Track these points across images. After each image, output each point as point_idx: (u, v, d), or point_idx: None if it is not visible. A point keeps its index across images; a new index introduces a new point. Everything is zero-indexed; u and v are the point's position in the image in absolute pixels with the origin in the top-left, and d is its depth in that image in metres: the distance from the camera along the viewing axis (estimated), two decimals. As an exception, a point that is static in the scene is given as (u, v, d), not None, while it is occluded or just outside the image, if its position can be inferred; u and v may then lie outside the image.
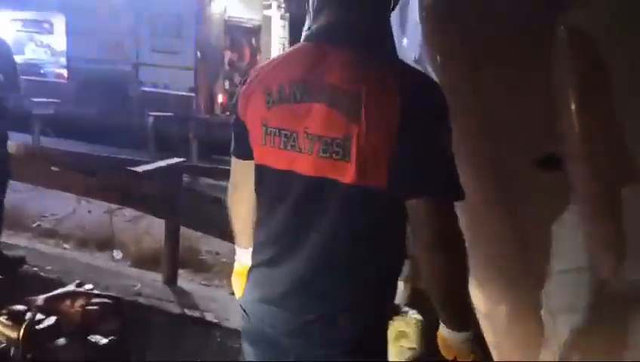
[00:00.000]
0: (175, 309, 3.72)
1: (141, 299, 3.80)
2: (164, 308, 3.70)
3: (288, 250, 1.44)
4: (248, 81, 1.52)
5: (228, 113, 10.03)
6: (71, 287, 2.63)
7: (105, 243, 5.62)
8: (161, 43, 9.53)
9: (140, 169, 3.60)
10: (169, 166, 3.71)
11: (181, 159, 3.88)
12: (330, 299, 1.39)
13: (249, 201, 1.61)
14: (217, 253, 5.27)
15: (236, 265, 1.75)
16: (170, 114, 8.07)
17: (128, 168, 3.62)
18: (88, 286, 2.69)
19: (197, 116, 8.75)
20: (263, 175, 1.49)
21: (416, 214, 1.32)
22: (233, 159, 1.62)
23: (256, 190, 1.55)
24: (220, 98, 9.84)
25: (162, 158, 8.14)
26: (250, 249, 1.62)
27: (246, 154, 1.53)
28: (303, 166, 1.39)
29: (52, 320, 2.41)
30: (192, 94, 9.39)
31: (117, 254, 5.51)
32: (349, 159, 1.32)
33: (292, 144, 1.39)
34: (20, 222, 5.85)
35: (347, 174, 1.33)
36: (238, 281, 1.72)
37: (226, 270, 5.07)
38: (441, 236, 1.31)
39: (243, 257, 1.71)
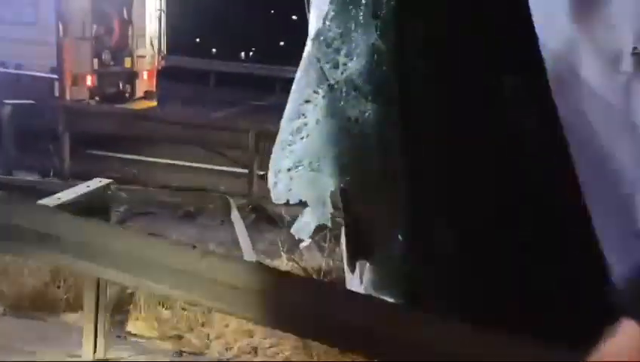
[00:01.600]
0: None
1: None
2: None
3: None
4: None
5: (98, 99, 8.45)
6: None
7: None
8: (10, 12, 7.61)
9: (52, 202, 2.32)
10: (96, 191, 2.47)
11: (108, 180, 2.66)
12: None
13: None
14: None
15: None
16: (31, 102, 6.42)
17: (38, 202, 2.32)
18: None
19: (65, 104, 7.11)
20: None
21: None
22: None
23: None
24: (89, 80, 8.19)
25: (25, 159, 6.66)
26: None
27: None
28: None
29: None
30: (54, 76, 7.65)
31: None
32: None
33: None
34: None
35: None
36: None
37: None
38: None
39: None
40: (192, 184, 7.09)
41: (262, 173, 6.75)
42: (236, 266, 2.29)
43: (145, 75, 9.55)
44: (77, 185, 6.15)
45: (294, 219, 4.00)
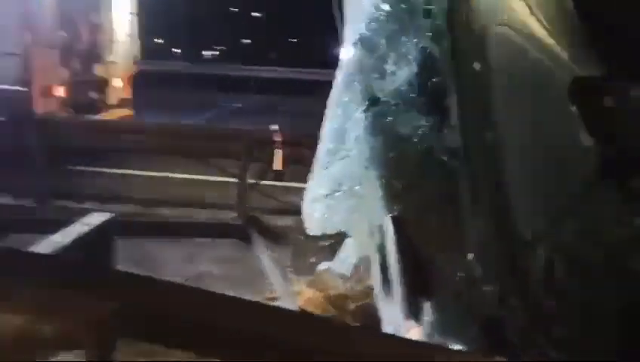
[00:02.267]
0: None
1: None
2: None
3: None
4: None
5: (71, 110, 7.96)
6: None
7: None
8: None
9: (51, 246, 1.95)
10: (96, 230, 2.10)
11: (110, 214, 2.29)
12: None
13: None
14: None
15: None
16: (1, 118, 5.93)
17: (22, 251, 1.93)
18: None
19: (37, 118, 6.62)
20: None
21: None
22: None
23: None
24: (60, 91, 7.68)
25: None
26: None
27: None
28: None
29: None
30: (24, 88, 7.13)
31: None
32: None
33: None
34: None
35: None
36: None
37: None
38: None
39: None
40: (175, 197, 6.69)
41: (253, 181, 6.40)
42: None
43: (118, 82, 9.06)
44: (57, 207, 5.73)
45: (301, 234, 3.61)
